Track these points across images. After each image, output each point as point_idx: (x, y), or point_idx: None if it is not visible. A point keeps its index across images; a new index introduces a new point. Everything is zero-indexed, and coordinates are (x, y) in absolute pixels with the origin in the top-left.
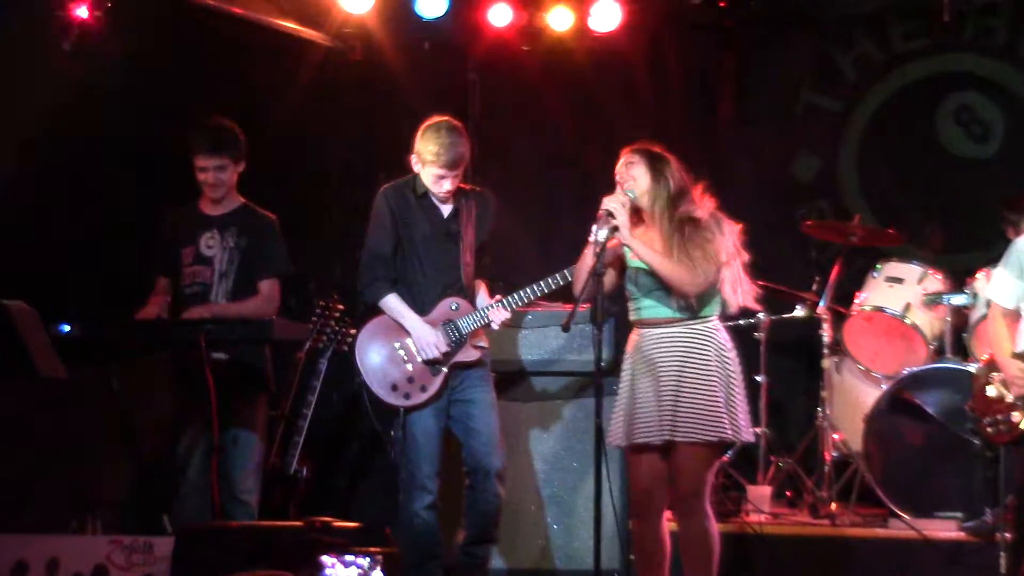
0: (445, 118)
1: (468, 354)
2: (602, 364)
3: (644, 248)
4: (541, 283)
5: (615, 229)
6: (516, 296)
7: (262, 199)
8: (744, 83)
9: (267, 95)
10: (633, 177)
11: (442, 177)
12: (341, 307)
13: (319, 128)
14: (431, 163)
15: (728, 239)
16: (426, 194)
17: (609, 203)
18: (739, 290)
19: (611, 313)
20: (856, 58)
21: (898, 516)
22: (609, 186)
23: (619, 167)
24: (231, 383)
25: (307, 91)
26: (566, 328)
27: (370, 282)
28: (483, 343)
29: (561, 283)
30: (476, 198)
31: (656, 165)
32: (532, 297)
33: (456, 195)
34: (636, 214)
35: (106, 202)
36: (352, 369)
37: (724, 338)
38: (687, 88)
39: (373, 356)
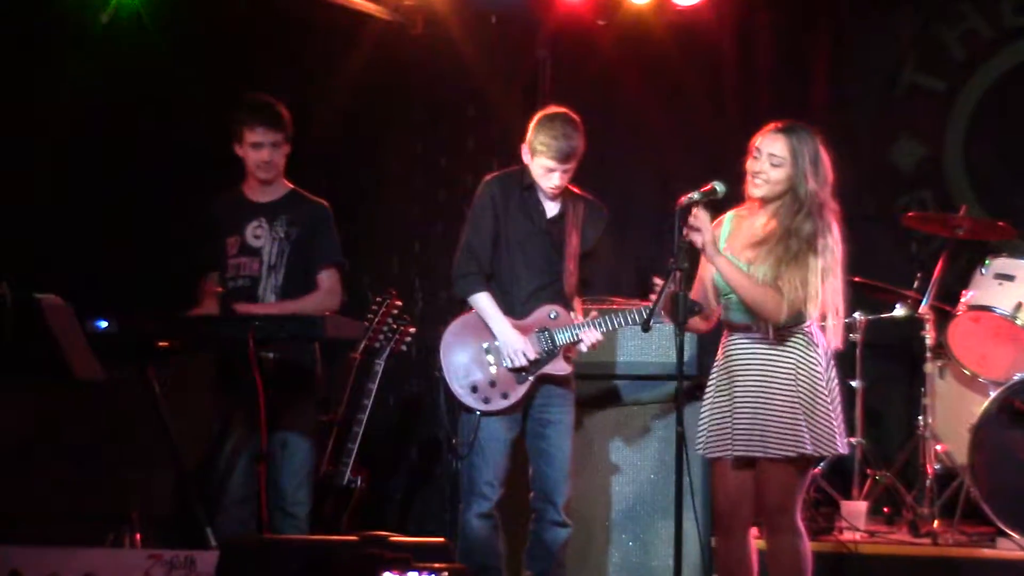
0: (563, 110)
1: (558, 367)
2: (684, 367)
3: (730, 269)
4: (630, 312)
5: (695, 228)
6: (600, 322)
7: (313, 187)
8: (839, 62)
9: (319, 74)
10: (770, 159)
11: (551, 170)
12: (399, 304)
13: (375, 110)
14: (541, 153)
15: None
16: (532, 187)
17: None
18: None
19: (695, 312)
20: (963, 34)
21: (1007, 535)
22: (689, 177)
23: (757, 141)
24: (278, 384)
25: (363, 70)
26: (646, 328)
27: (463, 275)
28: (574, 358)
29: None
30: (586, 205)
31: (799, 151)
32: (616, 326)
33: (565, 197)
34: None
35: (147, 191)
36: (414, 369)
37: (811, 346)
38: (777, 67)
39: (458, 353)
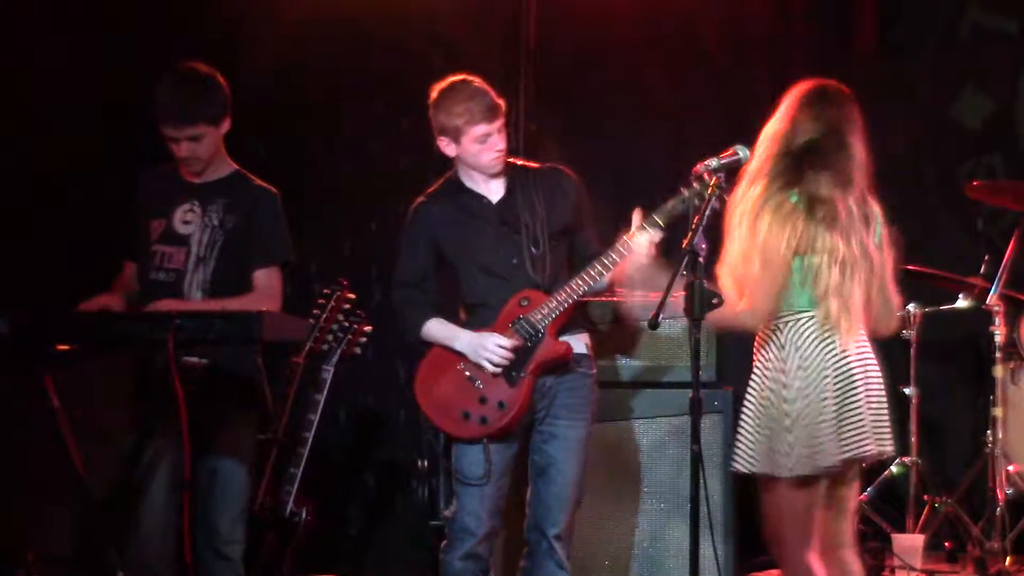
0: (459, 76)
1: (549, 350)
2: (701, 372)
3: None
4: (596, 265)
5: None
6: (570, 287)
7: (247, 156)
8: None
9: (253, 16)
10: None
11: (487, 134)
12: (352, 296)
13: (323, 61)
14: (467, 123)
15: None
16: (461, 187)
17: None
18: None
19: (713, 304)
20: None
21: None
22: (706, 140)
23: None
24: (209, 397)
25: (306, 10)
26: (653, 325)
27: (403, 313)
28: (578, 335)
29: (620, 259)
30: (538, 174)
31: (787, 109)
32: (585, 288)
33: (509, 174)
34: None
35: (44, 167)
36: (370, 377)
37: (772, 342)
38: (815, 6)
39: (433, 394)
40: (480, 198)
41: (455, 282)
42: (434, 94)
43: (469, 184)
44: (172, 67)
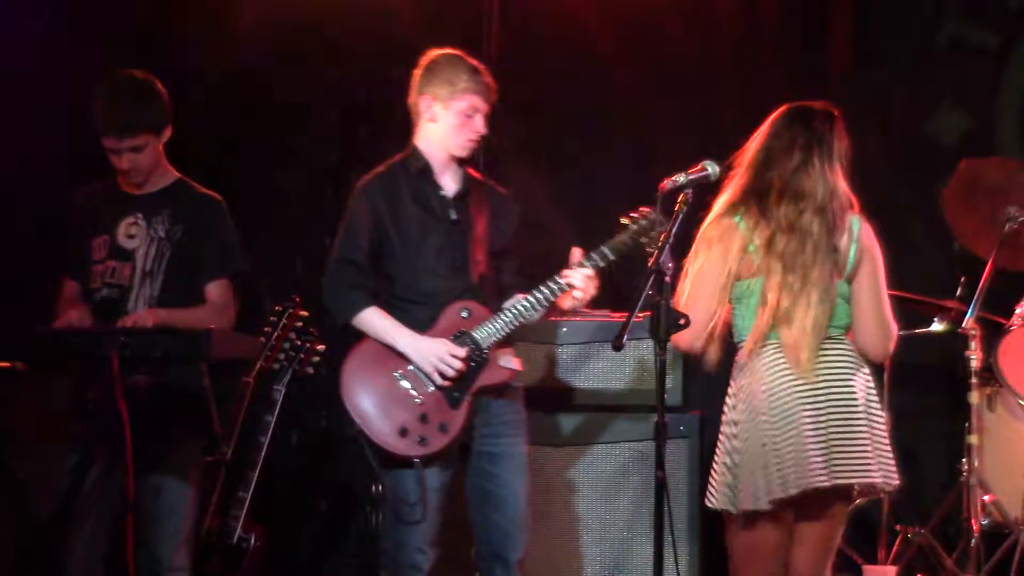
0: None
1: (494, 374)
2: (666, 395)
3: None
4: (538, 294)
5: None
6: (517, 310)
7: (196, 168)
8: (865, 11)
9: (205, 24)
10: None
11: (477, 111)
12: (304, 314)
13: (276, 69)
14: (467, 92)
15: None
16: (425, 169)
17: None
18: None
19: (680, 325)
20: None
21: None
22: (674, 154)
23: None
24: (153, 417)
25: (258, 18)
26: (618, 346)
27: (341, 292)
28: (513, 362)
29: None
30: (491, 191)
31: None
32: (543, 305)
33: (464, 175)
34: None
35: None
36: (323, 398)
37: (737, 375)
38: (786, 16)
39: (367, 395)
40: (437, 187)
41: (383, 271)
42: (434, 56)
43: (430, 171)
44: (109, 76)
